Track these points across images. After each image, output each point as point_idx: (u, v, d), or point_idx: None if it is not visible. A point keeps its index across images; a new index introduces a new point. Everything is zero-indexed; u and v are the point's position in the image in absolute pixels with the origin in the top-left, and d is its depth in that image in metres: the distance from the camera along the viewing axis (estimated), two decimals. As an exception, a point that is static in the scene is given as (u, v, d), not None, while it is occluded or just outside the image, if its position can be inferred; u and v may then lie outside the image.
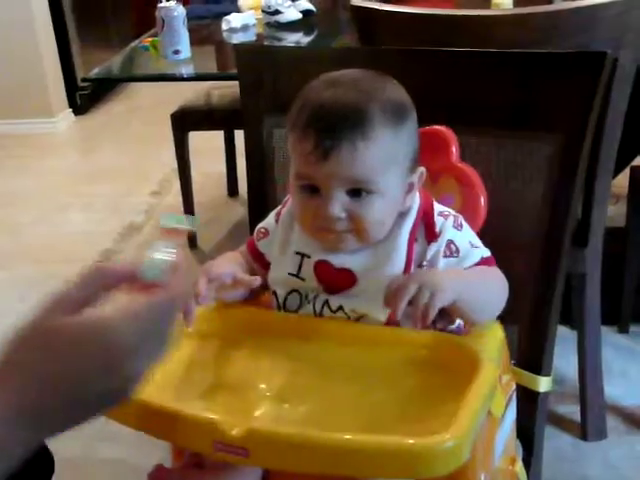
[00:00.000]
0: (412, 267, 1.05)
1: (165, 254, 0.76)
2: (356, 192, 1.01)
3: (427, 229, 1.07)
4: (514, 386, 1.11)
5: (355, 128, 0.98)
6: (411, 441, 0.82)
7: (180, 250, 0.77)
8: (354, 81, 1.03)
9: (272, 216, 1.18)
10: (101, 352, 0.65)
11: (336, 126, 0.98)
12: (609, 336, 2.20)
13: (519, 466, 1.14)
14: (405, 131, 1.03)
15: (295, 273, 1.10)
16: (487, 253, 1.09)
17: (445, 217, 1.08)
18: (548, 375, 1.23)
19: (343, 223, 1.02)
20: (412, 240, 1.06)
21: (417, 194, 1.09)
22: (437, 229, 1.06)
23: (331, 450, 0.83)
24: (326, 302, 1.08)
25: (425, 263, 1.06)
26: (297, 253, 1.10)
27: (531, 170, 1.19)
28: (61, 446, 1.50)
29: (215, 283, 1.07)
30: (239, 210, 3.32)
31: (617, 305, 2.26)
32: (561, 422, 1.96)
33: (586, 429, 1.91)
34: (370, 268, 1.06)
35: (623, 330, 2.29)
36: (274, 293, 1.12)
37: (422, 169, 1.08)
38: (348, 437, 0.83)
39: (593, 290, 1.79)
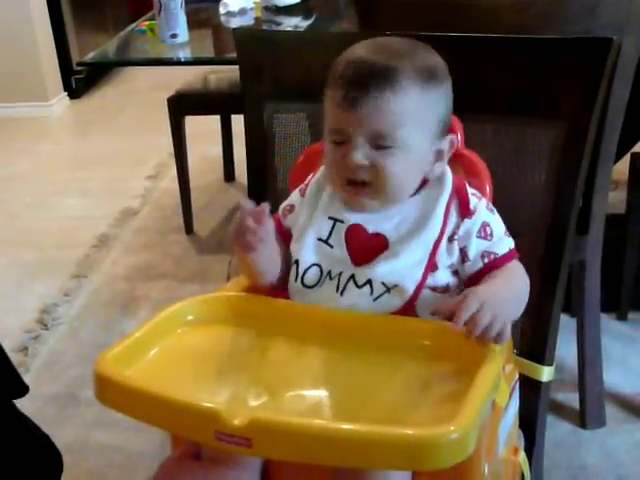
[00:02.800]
0: (444, 238, 1.07)
1: None
2: (378, 145, 1.03)
3: (461, 204, 1.09)
4: (517, 376, 1.11)
5: (383, 80, 1.01)
6: (416, 432, 0.81)
7: None
8: (391, 43, 1.07)
9: (296, 192, 1.19)
10: None
11: (364, 77, 1.02)
12: (608, 323, 2.19)
13: (522, 456, 1.14)
14: (434, 93, 1.05)
15: (324, 239, 1.10)
16: (513, 244, 1.11)
17: (478, 198, 1.10)
18: (551, 365, 1.22)
19: (365, 172, 1.04)
20: (447, 211, 1.08)
21: (449, 172, 1.10)
22: (472, 206, 1.08)
23: (336, 440, 0.82)
24: (352, 277, 1.07)
25: (456, 237, 1.07)
26: (330, 218, 1.11)
27: (535, 157, 1.18)
28: (57, 432, 1.50)
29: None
30: (235, 195, 3.30)
31: (616, 292, 2.25)
32: (560, 410, 1.95)
33: (585, 417, 1.90)
34: (404, 234, 1.07)
35: (622, 317, 2.28)
36: (295, 262, 1.11)
37: (452, 136, 1.10)
38: (353, 427, 0.82)
39: (593, 277, 1.79)
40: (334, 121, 1.06)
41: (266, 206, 1.04)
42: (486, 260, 1.08)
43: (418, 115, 1.04)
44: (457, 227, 1.08)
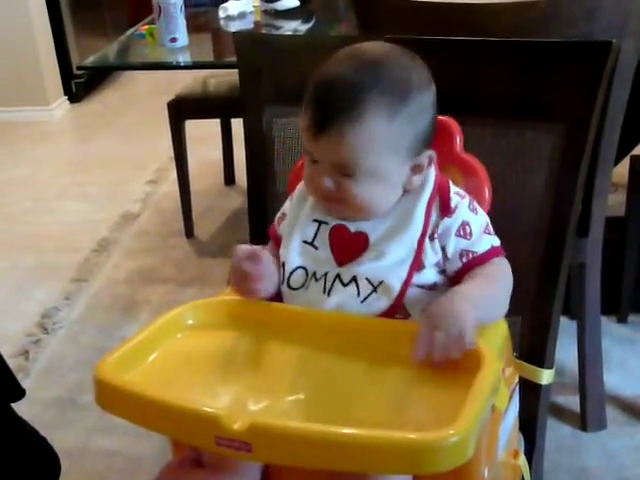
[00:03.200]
0: (426, 237, 1.07)
1: None
2: (344, 173, 1.04)
3: (442, 203, 1.08)
4: (517, 379, 1.11)
5: (344, 112, 1.00)
6: (415, 436, 0.81)
7: None
8: (363, 56, 1.04)
9: (288, 200, 1.20)
10: None
11: (327, 108, 1.01)
12: (608, 326, 2.19)
13: (522, 459, 1.13)
14: (405, 115, 1.03)
15: (310, 241, 1.11)
16: (497, 242, 1.10)
17: (461, 197, 1.10)
18: (551, 367, 1.22)
19: (338, 195, 1.05)
20: (429, 209, 1.08)
21: (432, 172, 1.10)
22: (452, 205, 1.08)
23: (335, 444, 0.82)
24: (337, 276, 1.08)
25: (436, 236, 1.07)
26: (315, 220, 1.12)
27: (535, 160, 1.18)
28: (57, 437, 1.50)
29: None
30: (236, 199, 3.31)
31: (616, 295, 2.25)
32: (560, 413, 1.96)
33: (585, 419, 1.90)
34: (386, 233, 1.07)
35: (622, 320, 2.28)
36: (282, 265, 1.12)
37: (430, 152, 1.08)
38: (352, 432, 0.82)
39: (593, 280, 1.78)
40: (305, 142, 1.07)
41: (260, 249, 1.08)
42: (464, 259, 1.08)
43: (385, 142, 1.02)
44: (436, 225, 1.08)
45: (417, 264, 1.06)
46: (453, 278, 1.08)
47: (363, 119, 1.00)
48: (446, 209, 1.08)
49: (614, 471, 1.79)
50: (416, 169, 1.07)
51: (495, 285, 1.07)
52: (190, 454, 1.02)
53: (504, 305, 1.08)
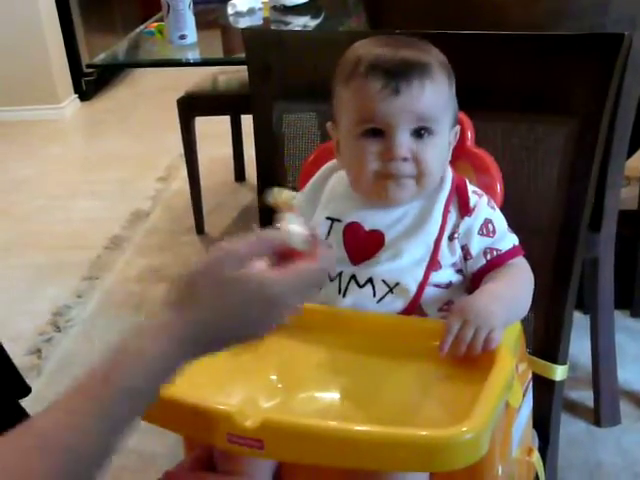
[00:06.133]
0: (444, 237, 1.06)
1: (299, 226, 0.86)
2: (419, 133, 1.04)
3: (461, 202, 1.08)
4: (530, 375, 1.10)
5: (420, 70, 1.03)
6: (429, 433, 0.80)
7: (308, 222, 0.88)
8: (403, 40, 1.08)
9: (298, 194, 1.17)
10: (262, 303, 0.79)
11: (402, 67, 1.02)
12: (622, 320, 2.17)
13: (536, 456, 1.13)
14: (453, 87, 1.08)
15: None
16: (517, 240, 1.10)
17: (479, 196, 1.09)
18: (564, 363, 1.21)
19: (408, 166, 1.04)
20: (447, 209, 1.07)
21: (449, 171, 1.10)
22: (471, 204, 1.08)
23: (348, 442, 0.82)
24: (353, 277, 1.07)
25: (457, 236, 1.07)
26: (328, 218, 1.11)
27: (546, 154, 1.17)
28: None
29: None
30: (246, 195, 3.31)
31: (629, 289, 2.23)
32: (574, 408, 1.94)
33: (599, 415, 1.89)
34: (403, 232, 1.06)
35: (636, 314, 2.26)
36: None
37: (457, 127, 1.11)
38: (365, 429, 0.82)
39: (606, 275, 1.77)
40: (369, 111, 1.04)
41: None
42: (489, 257, 1.07)
43: (448, 104, 1.07)
44: (457, 226, 1.07)
45: (434, 264, 1.06)
46: (474, 276, 1.08)
47: (437, 77, 1.04)
48: (465, 208, 1.08)
49: (628, 466, 1.78)
50: (450, 144, 1.09)
51: (521, 287, 1.07)
52: (202, 453, 1.02)
53: (527, 307, 1.08)
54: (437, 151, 1.05)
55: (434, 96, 1.03)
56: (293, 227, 0.86)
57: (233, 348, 0.83)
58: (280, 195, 0.92)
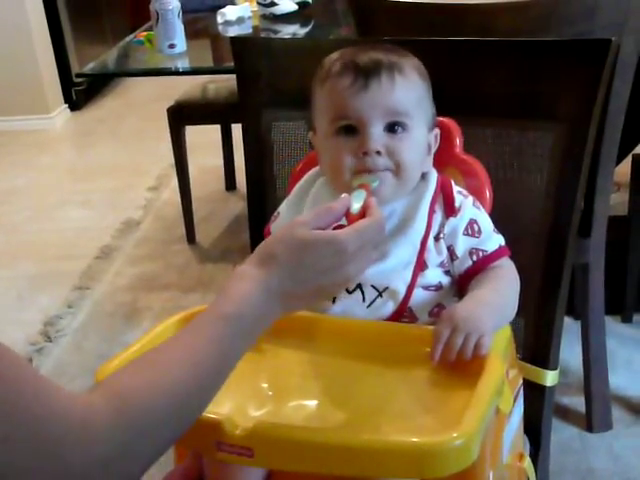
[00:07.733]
0: (430, 236, 1.06)
1: (361, 195, 0.97)
2: (392, 128, 1.05)
3: (446, 202, 1.09)
4: (521, 381, 1.10)
5: (390, 67, 1.05)
6: (419, 440, 0.80)
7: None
8: (382, 47, 1.09)
9: (284, 201, 1.19)
10: (333, 257, 0.87)
11: (372, 65, 1.05)
12: (613, 326, 2.18)
13: (527, 462, 1.12)
14: (428, 86, 1.10)
15: None
16: (502, 241, 1.10)
17: (464, 196, 1.10)
18: (555, 369, 1.21)
19: (383, 160, 1.04)
20: (432, 209, 1.07)
21: (434, 172, 1.11)
22: (457, 204, 1.08)
23: (338, 449, 0.82)
24: None
25: (442, 236, 1.07)
26: None
27: (535, 160, 1.17)
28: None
29: None
30: (237, 204, 3.30)
31: (620, 294, 2.24)
32: (566, 414, 1.94)
33: (591, 420, 1.89)
34: (389, 234, 1.06)
35: (627, 319, 2.27)
36: None
37: (437, 130, 1.11)
38: (356, 436, 0.82)
39: (596, 280, 1.78)
40: (342, 108, 1.05)
41: None
42: (475, 258, 1.08)
43: (420, 103, 1.07)
44: (442, 226, 1.07)
45: (420, 265, 1.06)
46: (461, 277, 1.08)
47: (405, 72, 1.05)
48: (451, 209, 1.08)
49: (621, 472, 1.77)
50: (428, 149, 1.09)
51: (508, 289, 1.07)
52: (191, 463, 1.01)
53: (514, 309, 1.08)
54: (413, 146, 1.06)
55: (404, 91, 1.05)
56: (355, 195, 0.97)
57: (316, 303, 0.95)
58: (364, 178, 1.03)
